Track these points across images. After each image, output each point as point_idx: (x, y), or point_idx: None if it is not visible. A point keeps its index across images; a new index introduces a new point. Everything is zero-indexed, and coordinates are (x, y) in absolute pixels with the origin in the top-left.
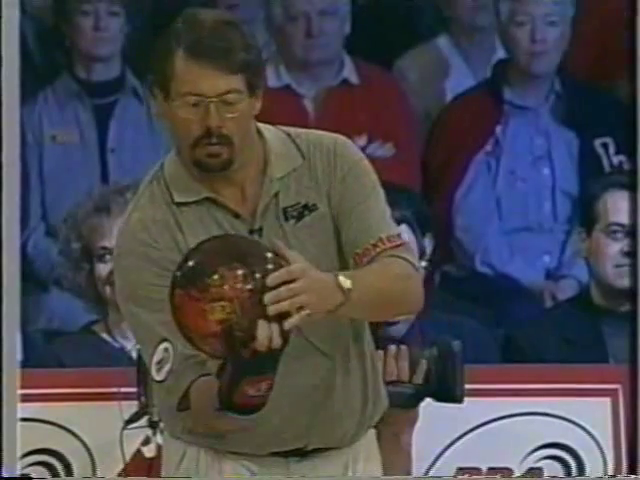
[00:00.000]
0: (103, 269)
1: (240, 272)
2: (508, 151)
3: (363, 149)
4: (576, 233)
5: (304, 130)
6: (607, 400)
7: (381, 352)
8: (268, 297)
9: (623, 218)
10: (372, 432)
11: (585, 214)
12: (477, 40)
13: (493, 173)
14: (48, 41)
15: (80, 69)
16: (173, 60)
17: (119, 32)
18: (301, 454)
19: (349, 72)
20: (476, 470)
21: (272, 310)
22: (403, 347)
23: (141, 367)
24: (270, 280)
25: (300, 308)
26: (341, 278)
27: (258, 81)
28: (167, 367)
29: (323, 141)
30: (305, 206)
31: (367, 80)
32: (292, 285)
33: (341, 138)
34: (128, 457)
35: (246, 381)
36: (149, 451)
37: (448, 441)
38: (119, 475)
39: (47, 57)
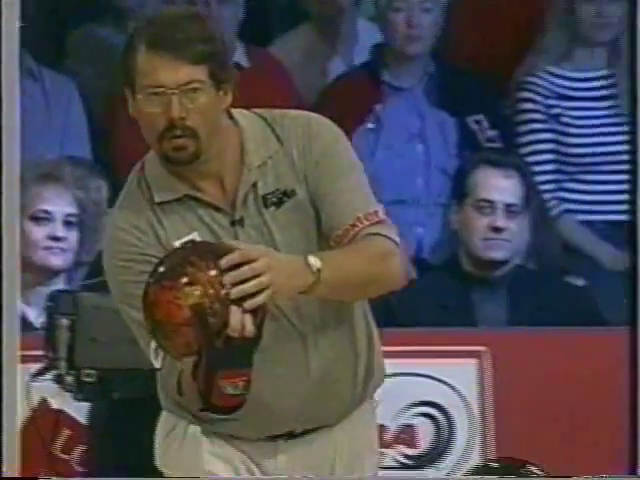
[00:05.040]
0: (35, 231)
1: (211, 260)
2: (387, 128)
3: None
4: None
5: (280, 112)
6: (474, 361)
7: None
8: (228, 278)
9: (491, 195)
10: (365, 407)
11: (457, 188)
12: (333, 27)
13: (372, 148)
14: None
15: None
16: (135, 56)
17: None
18: (290, 436)
19: (240, 56)
20: None
21: (236, 293)
22: None
23: (49, 327)
24: (224, 262)
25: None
26: (310, 258)
27: (223, 74)
28: (162, 354)
29: (298, 123)
30: (284, 192)
31: (256, 63)
32: (254, 264)
33: (315, 119)
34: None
35: (221, 375)
36: (56, 403)
37: None
38: (26, 423)
39: None
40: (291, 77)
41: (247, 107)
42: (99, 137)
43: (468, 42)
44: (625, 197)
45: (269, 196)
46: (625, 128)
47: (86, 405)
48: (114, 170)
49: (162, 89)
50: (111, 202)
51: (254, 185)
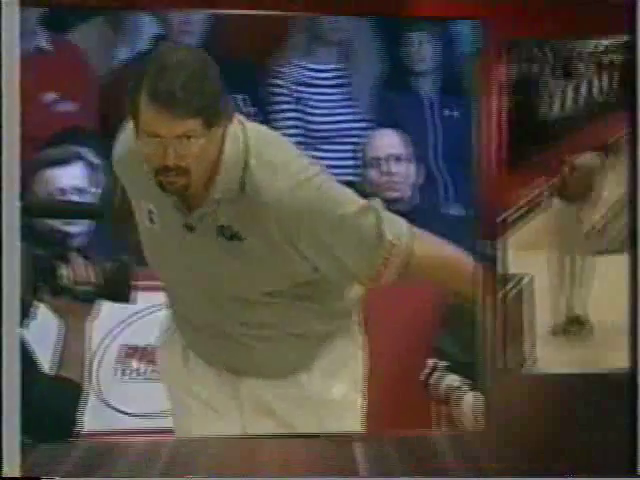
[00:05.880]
0: None
1: None
2: None
3: (53, 102)
4: None
5: (265, 165)
6: None
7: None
8: None
9: None
10: (332, 349)
11: None
12: (121, 20)
13: None
14: None
15: None
16: (139, 101)
17: None
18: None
19: (42, 41)
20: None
21: None
22: (88, 261)
23: None
24: None
25: None
26: None
27: (217, 118)
28: None
29: (271, 197)
30: (235, 234)
31: (56, 48)
32: None
33: (290, 189)
34: None
35: None
36: None
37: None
38: None
39: None
40: (87, 60)
41: (42, 83)
42: None
43: (233, 36)
44: (351, 162)
45: (223, 229)
46: (352, 110)
47: None
48: None
49: (159, 139)
50: None
51: (214, 211)
